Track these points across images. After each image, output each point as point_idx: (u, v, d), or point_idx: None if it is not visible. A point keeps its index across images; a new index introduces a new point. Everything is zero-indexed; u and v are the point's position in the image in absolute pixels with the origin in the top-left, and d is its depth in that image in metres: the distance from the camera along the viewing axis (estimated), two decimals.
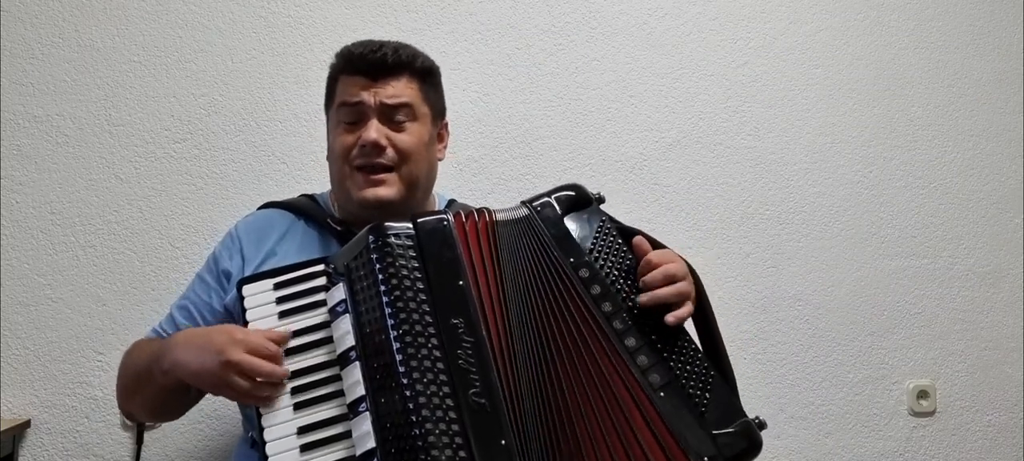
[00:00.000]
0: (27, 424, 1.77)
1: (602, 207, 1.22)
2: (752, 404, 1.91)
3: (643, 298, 1.11)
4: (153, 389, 1.23)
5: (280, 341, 1.12)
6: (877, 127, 2.08)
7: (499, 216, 1.18)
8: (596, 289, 1.12)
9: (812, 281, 2.02)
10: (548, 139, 1.98)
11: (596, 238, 1.17)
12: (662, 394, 1.06)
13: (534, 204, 1.19)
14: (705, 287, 1.15)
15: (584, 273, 1.13)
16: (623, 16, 2.03)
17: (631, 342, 1.09)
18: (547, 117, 1.99)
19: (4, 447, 1.71)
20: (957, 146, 2.10)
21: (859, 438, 1.99)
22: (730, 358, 1.92)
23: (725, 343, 1.93)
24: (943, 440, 2.01)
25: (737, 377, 1.93)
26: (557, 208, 1.18)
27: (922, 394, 2.00)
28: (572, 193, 1.21)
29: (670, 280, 1.13)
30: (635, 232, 1.22)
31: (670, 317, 1.10)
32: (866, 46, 2.10)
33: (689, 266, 1.22)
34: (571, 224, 1.17)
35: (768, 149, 2.04)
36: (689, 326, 1.18)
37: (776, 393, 1.98)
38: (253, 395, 1.09)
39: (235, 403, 1.45)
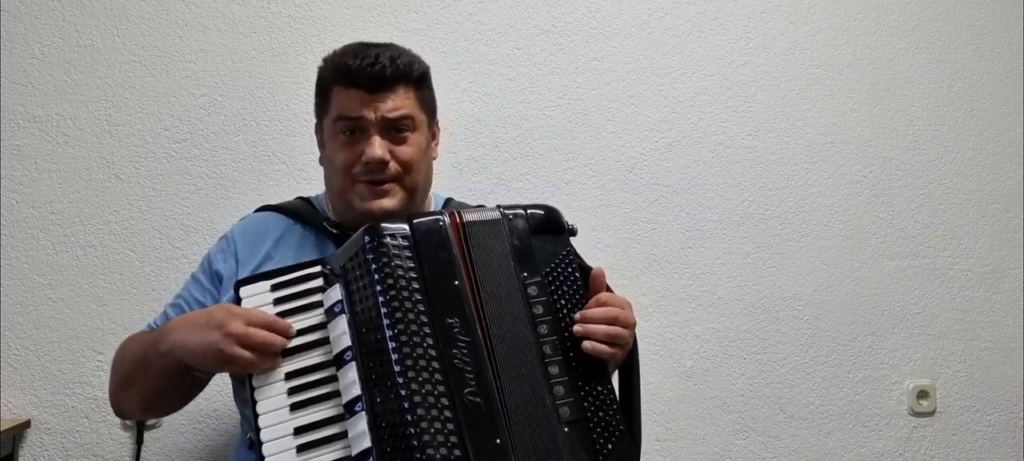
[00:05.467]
0: (27, 424, 1.77)
1: (573, 240, 1.23)
2: (752, 404, 1.96)
3: (577, 328, 1.13)
4: (150, 375, 1.23)
5: (283, 330, 1.12)
6: (877, 127, 2.07)
7: (469, 216, 1.18)
8: (538, 309, 1.14)
9: (812, 281, 2.01)
10: (548, 139, 1.98)
11: (555, 264, 1.18)
12: (567, 429, 1.08)
13: (507, 212, 1.20)
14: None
15: (532, 290, 1.15)
16: (623, 16, 2.03)
17: (554, 370, 1.11)
18: (547, 117, 1.99)
19: (4, 447, 1.71)
20: (957, 146, 2.09)
21: (859, 438, 1.99)
22: (729, 359, 1.96)
23: (724, 343, 1.96)
24: (943, 440, 2.01)
25: (737, 377, 1.96)
26: (527, 223, 1.20)
27: (922, 394, 2.00)
28: (543, 213, 1.22)
29: (611, 321, 1.14)
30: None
31: (587, 344, 1.12)
32: (866, 46, 2.09)
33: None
34: (536, 242, 1.19)
35: (768, 149, 2.04)
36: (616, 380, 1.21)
37: (776, 393, 1.98)
38: (256, 365, 1.10)
39: (234, 403, 1.45)
